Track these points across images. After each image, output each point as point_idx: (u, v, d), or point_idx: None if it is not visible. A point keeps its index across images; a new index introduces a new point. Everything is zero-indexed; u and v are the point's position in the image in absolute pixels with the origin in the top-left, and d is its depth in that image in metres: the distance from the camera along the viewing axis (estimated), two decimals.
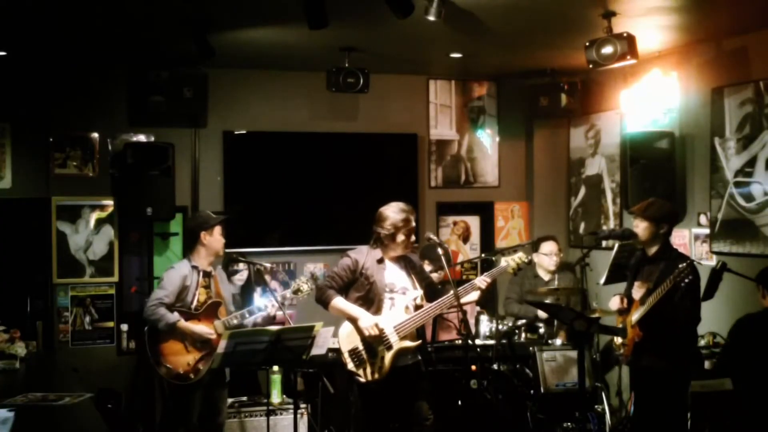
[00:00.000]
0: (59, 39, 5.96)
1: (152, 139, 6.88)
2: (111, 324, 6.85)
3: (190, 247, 5.44)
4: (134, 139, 6.84)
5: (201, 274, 5.32)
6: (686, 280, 4.64)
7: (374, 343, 4.75)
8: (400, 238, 4.81)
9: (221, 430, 5.46)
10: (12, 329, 5.85)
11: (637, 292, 4.97)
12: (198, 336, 5.18)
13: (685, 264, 4.69)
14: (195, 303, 5.26)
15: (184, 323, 5.16)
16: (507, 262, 5.00)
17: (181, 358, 5.16)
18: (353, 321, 4.79)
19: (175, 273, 5.28)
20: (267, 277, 6.63)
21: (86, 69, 6.77)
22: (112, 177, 6.83)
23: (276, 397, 6.01)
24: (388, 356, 4.72)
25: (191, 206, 7.03)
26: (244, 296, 6.18)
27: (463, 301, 4.81)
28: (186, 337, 5.18)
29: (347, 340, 4.82)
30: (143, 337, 5.31)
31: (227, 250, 6.85)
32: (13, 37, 5.87)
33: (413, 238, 4.87)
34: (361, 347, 4.77)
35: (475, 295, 5.00)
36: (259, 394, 6.26)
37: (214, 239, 5.34)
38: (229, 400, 5.90)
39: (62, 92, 6.75)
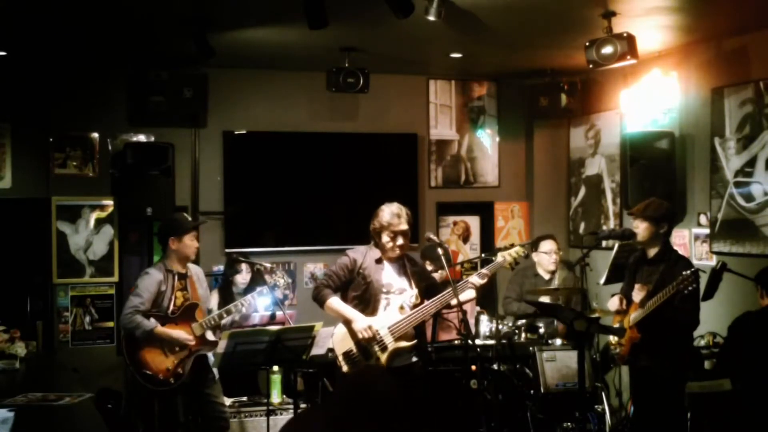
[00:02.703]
0: (59, 39, 5.96)
1: (152, 139, 6.88)
2: (111, 324, 6.85)
3: (164, 250, 5.36)
4: (134, 139, 6.84)
5: (176, 277, 5.26)
6: (689, 288, 4.64)
7: (368, 345, 4.74)
8: (384, 238, 4.79)
9: (227, 424, 5.45)
10: (12, 329, 5.86)
11: (638, 294, 4.97)
12: (175, 341, 5.14)
13: (689, 272, 4.68)
14: (171, 307, 5.21)
15: (161, 329, 5.11)
16: (504, 256, 4.99)
17: (160, 364, 5.12)
18: (347, 323, 4.78)
19: (150, 279, 5.19)
20: (267, 277, 6.63)
21: (86, 69, 6.77)
22: (112, 177, 6.82)
23: (276, 397, 6.01)
24: (383, 357, 4.71)
25: (191, 206, 7.03)
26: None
27: (460, 299, 4.80)
28: (164, 343, 5.14)
29: (342, 342, 4.81)
30: (123, 348, 5.27)
31: (228, 250, 6.88)
32: (13, 37, 5.87)
33: (400, 241, 4.80)
34: (355, 349, 4.76)
35: (472, 293, 4.99)
36: (259, 394, 6.26)
37: (183, 245, 5.25)
38: (229, 401, 5.90)
39: (62, 92, 6.75)
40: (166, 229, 5.36)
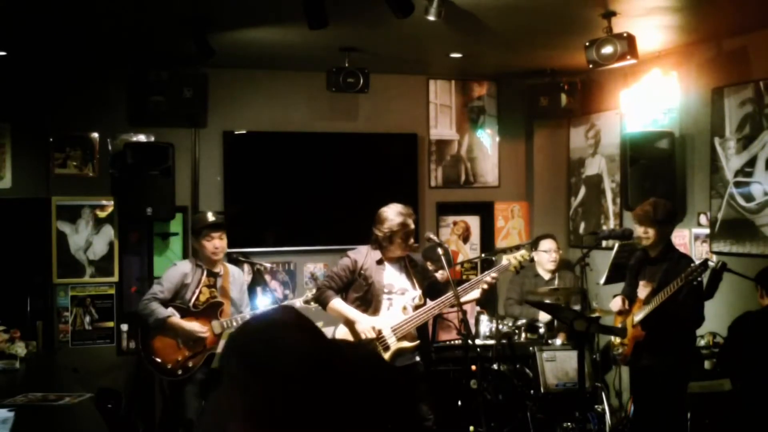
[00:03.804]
0: (59, 39, 5.96)
1: (152, 139, 6.87)
2: (111, 324, 6.84)
3: None
4: (134, 139, 6.84)
5: (205, 273, 5.30)
6: (698, 280, 4.64)
7: (370, 344, 4.74)
8: (397, 240, 4.81)
9: None
10: (12, 329, 5.85)
11: (643, 291, 4.97)
12: (189, 334, 5.15)
13: (698, 263, 4.69)
14: (194, 301, 5.24)
15: (175, 320, 5.14)
16: (509, 260, 5.00)
17: (171, 354, 5.16)
18: (350, 324, 4.79)
19: (175, 270, 5.31)
20: (267, 277, 6.63)
21: (86, 69, 6.76)
22: (112, 177, 6.82)
23: None
24: (386, 357, 4.72)
25: (191, 206, 7.02)
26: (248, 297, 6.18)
27: (463, 299, 4.81)
28: (178, 334, 5.16)
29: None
30: (138, 331, 5.32)
31: (228, 250, 6.87)
32: (13, 37, 5.87)
33: (411, 240, 4.86)
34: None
35: (476, 294, 4.99)
36: None
37: (199, 245, 5.31)
38: None
39: (62, 92, 6.75)
40: (191, 226, 5.51)
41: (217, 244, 5.31)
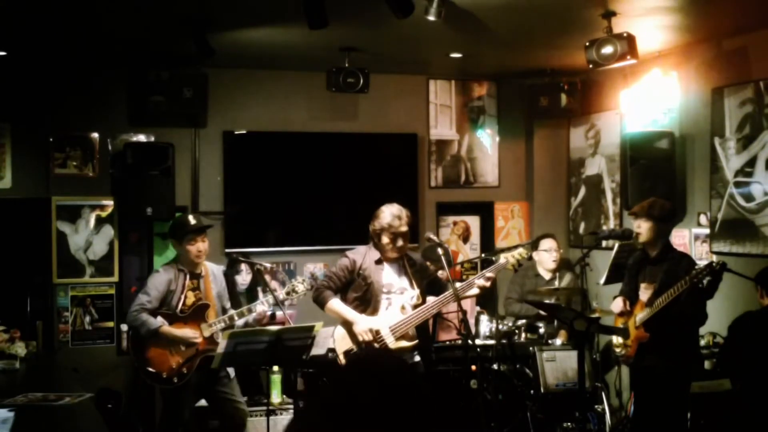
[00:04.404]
0: (59, 39, 5.96)
1: (152, 139, 6.87)
2: (111, 324, 6.84)
3: None
4: (134, 139, 6.84)
5: (188, 276, 5.26)
6: (705, 281, 4.64)
7: (370, 344, 4.74)
8: (384, 240, 4.80)
9: (243, 421, 5.42)
10: (12, 329, 5.85)
11: (644, 293, 4.96)
12: (182, 340, 5.13)
13: (703, 265, 4.69)
14: (181, 306, 5.20)
15: (166, 328, 5.11)
16: (506, 258, 5.00)
17: (165, 362, 5.13)
18: (348, 324, 4.79)
19: (159, 277, 5.23)
20: (267, 277, 6.63)
21: (86, 69, 6.76)
22: (112, 177, 6.82)
23: (276, 397, 6.01)
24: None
25: (191, 206, 7.02)
26: (248, 297, 6.17)
27: (462, 296, 4.80)
28: (170, 342, 5.14)
29: (342, 341, 4.81)
30: (128, 340, 5.29)
31: (228, 250, 6.88)
32: (13, 37, 5.87)
33: (400, 243, 4.82)
34: (356, 348, 4.77)
35: (475, 290, 4.99)
36: (260, 394, 6.26)
37: (182, 249, 5.25)
38: None
39: (62, 92, 6.75)
40: (169, 231, 5.42)
41: (200, 247, 5.26)
